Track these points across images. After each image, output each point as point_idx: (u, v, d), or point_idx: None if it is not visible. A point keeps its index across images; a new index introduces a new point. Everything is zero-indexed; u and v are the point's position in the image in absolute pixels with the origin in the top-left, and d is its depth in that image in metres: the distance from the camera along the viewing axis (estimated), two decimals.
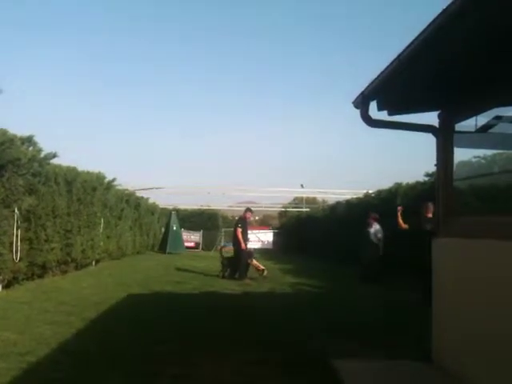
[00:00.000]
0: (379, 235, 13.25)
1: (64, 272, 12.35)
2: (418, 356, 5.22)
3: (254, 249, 17.70)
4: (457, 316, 4.59)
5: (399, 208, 11.46)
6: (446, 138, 4.97)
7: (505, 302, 3.80)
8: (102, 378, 4.32)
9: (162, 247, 25.83)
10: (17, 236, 9.33)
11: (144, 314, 7.44)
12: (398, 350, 5.58)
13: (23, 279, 9.95)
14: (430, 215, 9.75)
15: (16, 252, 9.25)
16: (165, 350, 5.29)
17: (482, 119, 4.64)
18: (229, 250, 15.19)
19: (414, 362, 5.10)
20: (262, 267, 13.70)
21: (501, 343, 3.81)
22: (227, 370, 4.68)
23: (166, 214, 28.84)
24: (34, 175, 10.17)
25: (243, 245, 13.51)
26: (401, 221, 11.28)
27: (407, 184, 14.62)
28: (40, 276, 10.87)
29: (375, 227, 13.38)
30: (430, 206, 9.72)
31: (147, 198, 25.12)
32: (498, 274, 3.93)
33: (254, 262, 13.84)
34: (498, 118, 4.52)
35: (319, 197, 45.80)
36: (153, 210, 26.40)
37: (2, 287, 9.11)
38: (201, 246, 31.94)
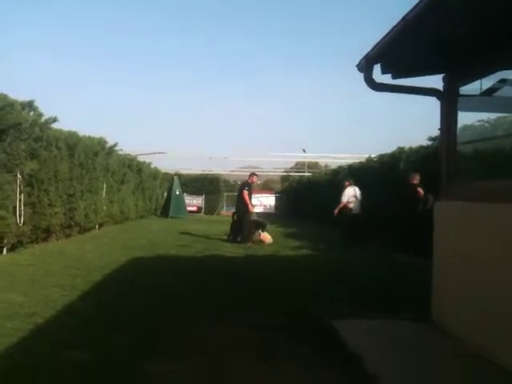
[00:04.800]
0: (355, 199, 14.02)
1: (68, 236, 12.47)
2: (417, 317, 5.30)
3: (258, 214, 17.74)
4: (457, 277, 4.64)
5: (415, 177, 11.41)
6: (450, 102, 4.93)
7: (505, 263, 3.85)
8: (107, 338, 4.40)
9: (165, 212, 25.92)
10: (20, 200, 9.37)
11: (148, 278, 7.53)
12: (398, 311, 5.65)
13: (27, 243, 10.06)
14: (416, 182, 11.15)
15: (20, 216, 9.32)
16: (169, 313, 5.37)
17: (486, 82, 4.59)
18: (228, 214, 15.30)
19: (413, 322, 5.19)
20: (268, 239, 13.70)
21: (500, 303, 3.87)
22: (229, 334, 4.76)
23: (168, 178, 28.87)
24: (35, 140, 10.15)
25: (251, 207, 13.61)
26: (420, 189, 11.20)
27: (410, 148, 14.54)
28: (44, 240, 10.99)
29: (349, 192, 14.12)
30: (417, 175, 11.18)
31: (149, 163, 25.08)
32: (499, 237, 3.97)
33: (264, 234, 13.87)
34: (503, 82, 4.47)
35: (321, 161, 45.65)
36: (155, 174, 26.40)
37: (7, 250, 9.21)
38: (203, 210, 32.10)
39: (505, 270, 3.86)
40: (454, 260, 4.73)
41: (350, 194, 14.07)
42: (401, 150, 15.03)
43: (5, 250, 9.14)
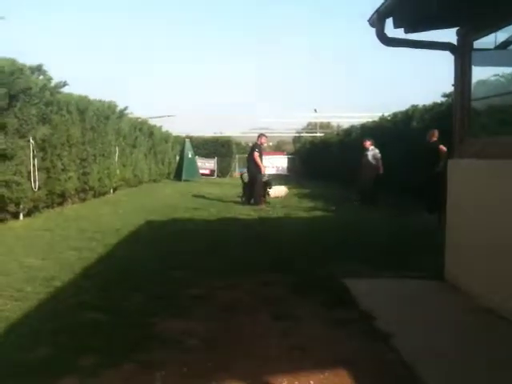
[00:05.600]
0: (377, 157, 13.57)
1: (83, 200, 12.62)
2: (430, 275, 5.33)
3: (270, 175, 17.79)
4: (469, 234, 4.64)
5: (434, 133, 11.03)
6: (464, 56, 4.81)
7: None
8: (125, 299, 4.50)
9: (178, 175, 25.95)
10: (34, 165, 9.44)
11: (162, 241, 7.61)
12: (410, 269, 5.68)
13: (43, 208, 10.20)
14: (435, 139, 10.75)
15: (34, 181, 9.41)
16: (183, 274, 5.46)
17: (501, 35, 4.46)
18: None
19: (426, 280, 5.22)
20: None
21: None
22: (241, 292, 4.85)
23: (180, 142, 28.79)
24: (46, 104, 10.14)
25: (263, 168, 13.61)
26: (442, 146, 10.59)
27: (424, 106, 14.32)
28: (59, 204, 11.13)
29: (373, 150, 13.65)
30: (435, 132, 10.79)
31: (160, 126, 25.01)
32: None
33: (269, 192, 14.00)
34: None
35: (333, 121, 45.29)
36: (166, 138, 26.36)
37: (23, 216, 9.34)
38: (216, 172, 32.13)
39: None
40: (466, 217, 4.72)
41: (377, 154, 13.65)
42: (414, 108, 14.82)
43: (21, 216, 9.27)
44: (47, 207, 10.41)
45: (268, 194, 14.00)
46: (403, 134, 14.13)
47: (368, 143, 13.93)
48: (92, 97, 13.63)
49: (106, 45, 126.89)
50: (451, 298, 4.64)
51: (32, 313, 4.10)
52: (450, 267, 5.05)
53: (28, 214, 9.53)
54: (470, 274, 4.58)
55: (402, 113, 15.84)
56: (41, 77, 10.11)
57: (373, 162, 13.48)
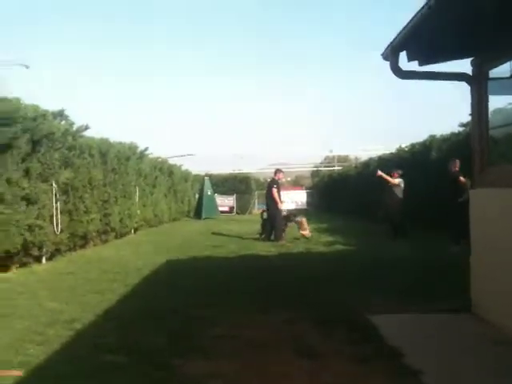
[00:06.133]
0: (402, 189, 13.17)
1: (104, 241, 12.71)
2: (457, 307, 5.20)
3: (289, 210, 17.68)
4: (495, 266, 4.54)
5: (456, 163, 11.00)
6: (480, 86, 4.82)
7: None
8: (147, 340, 4.46)
9: (198, 213, 26.07)
10: (56, 209, 9.57)
11: (183, 279, 7.59)
12: (437, 303, 5.55)
13: (65, 250, 10.27)
14: (457, 169, 10.60)
15: (57, 224, 9.52)
16: (205, 313, 5.41)
17: None
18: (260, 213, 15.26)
19: (453, 314, 5.08)
20: (306, 226, 13.66)
21: None
22: (265, 330, 4.78)
23: (200, 180, 29.04)
24: (68, 148, 10.37)
25: (280, 204, 13.57)
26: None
27: (441, 136, 14.30)
28: (82, 246, 11.22)
29: (399, 181, 13.26)
30: (457, 162, 10.62)
31: (180, 165, 25.31)
32: None
33: (303, 221, 13.86)
34: None
35: (351, 154, 45.35)
36: (186, 176, 26.63)
37: (46, 259, 9.42)
38: (235, 209, 32.19)
39: None
40: (491, 248, 4.62)
41: (402, 183, 13.23)
42: (432, 139, 14.81)
43: (44, 259, 9.34)
44: (69, 250, 10.49)
45: (300, 223, 13.76)
46: (422, 164, 14.07)
47: (396, 175, 13.48)
48: (113, 139, 13.92)
49: (127, 88, 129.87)
50: (479, 331, 4.50)
51: (54, 356, 4.08)
52: (477, 299, 4.92)
53: (50, 258, 9.60)
54: (497, 306, 4.46)
55: (419, 143, 15.83)
56: (63, 122, 10.36)
57: (399, 194, 13.25)
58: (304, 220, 13.75)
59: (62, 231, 9.70)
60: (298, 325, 4.93)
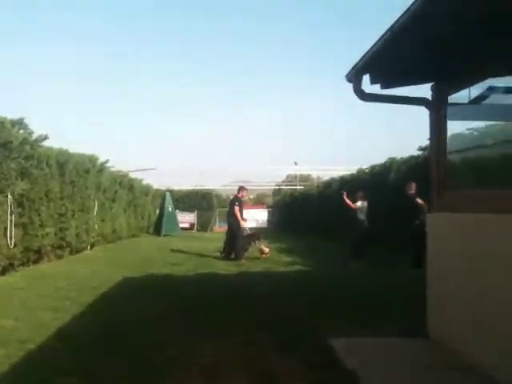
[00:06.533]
0: (364, 211, 13.31)
1: (59, 257, 12.32)
2: (412, 330, 5.23)
3: (251, 228, 17.67)
4: (449, 289, 4.61)
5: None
6: (439, 111, 4.94)
7: (493, 274, 3.84)
8: (99, 363, 4.32)
9: (157, 229, 25.64)
10: (11, 221, 9.27)
11: (140, 298, 7.42)
12: (393, 325, 5.59)
13: (19, 265, 9.92)
14: (413, 192, 10.94)
15: (10, 238, 9.21)
16: (160, 334, 5.28)
17: (475, 91, 4.60)
18: (222, 231, 15.23)
19: (410, 338, 5.10)
20: (267, 250, 13.70)
21: (494, 316, 3.84)
22: (222, 352, 4.68)
23: (161, 195, 28.73)
24: (26, 158, 10.06)
25: (242, 223, 13.53)
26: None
27: (401, 158, 14.62)
28: (36, 261, 10.85)
29: (362, 204, 13.42)
30: (413, 184, 10.96)
31: (141, 180, 24.97)
32: (489, 247, 3.94)
33: (262, 245, 13.87)
34: (491, 89, 4.48)
35: (313, 173, 45.84)
36: (147, 191, 26.29)
37: None
38: (196, 226, 31.96)
39: (493, 281, 3.85)
40: (447, 272, 4.70)
41: (364, 207, 13.33)
42: (392, 161, 15.13)
43: None
44: (23, 265, 10.13)
45: (259, 245, 13.81)
46: (381, 185, 14.32)
47: (359, 196, 13.58)
48: (73, 150, 13.57)
49: (89, 96, 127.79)
50: (434, 356, 4.52)
51: (2, 381, 3.90)
52: (433, 324, 4.98)
53: (2, 272, 9.24)
54: (452, 331, 4.52)
55: (379, 165, 16.14)
56: (21, 131, 10.08)
57: (360, 216, 13.37)
58: (263, 246, 13.86)
59: (15, 245, 9.39)
60: (254, 347, 4.86)
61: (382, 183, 14.37)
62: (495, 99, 4.66)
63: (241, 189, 14.47)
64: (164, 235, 24.45)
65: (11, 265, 9.53)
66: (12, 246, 9.25)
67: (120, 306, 6.80)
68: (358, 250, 12.98)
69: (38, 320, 5.81)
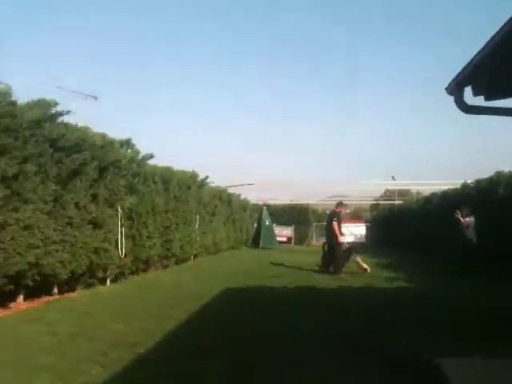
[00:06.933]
0: (472, 228, 12.78)
1: (165, 266, 12.98)
2: None
3: (349, 242, 17.42)
4: None
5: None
6: None
7: None
8: (205, 369, 4.46)
9: (255, 242, 26.22)
10: (121, 233, 9.89)
11: (241, 309, 7.57)
12: (505, 347, 5.25)
13: (129, 274, 10.57)
14: None
15: (121, 248, 9.82)
16: (261, 347, 5.33)
17: None
18: (319, 245, 15.15)
19: None
20: (366, 266, 13.47)
21: None
22: (323, 375, 4.56)
23: (258, 209, 29.21)
24: (133, 176, 10.76)
25: (340, 238, 13.45)
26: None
27: (510, 172, 13.77)
28: (144, 270, 11.50)
29: (470, 220, 12.78)
30: None
31: (239, 194, 25.58)
32: None
33: (358, 258, 13.69)
34: None
35: (413, 188, 44.36)
36: (244, 205, 26.86)
37: (110, 281, 9.71)
38: (293, 240, 32.05)
39: None
40: None
41: (471, 222, 12.95)
42: (499, 174, 14.29)
43: (108, 281, 9.64)
44: (132, 273, 10.77)
45: (357, 260, 13.64)
46: (488, 201, 13.57)
47: (465, 212, 13.14)
48: (176, 167, 14.29)
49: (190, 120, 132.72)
50: None
51: (115, 380, 4.17)
52: None
53: (114, 280, 9.89)
54: None
55: (486, 179, 15.30)
56: (129, 150, 10.80)
57: (467, 232, 12.82)
58: (358, 259, 13.66)
59: (126, 255, 9.99)
60: (357, 368, 4.71)
61: (489, 198, 13.61)
62: None
63: (339, 204, 14.43)
64: (262, 248, 24.83)
65: (122, 273, 10.17)
66: (123, 256, 9.86)
67: (221, 315, 6.98)
68: (466, 267, 12.37)
69: (146, 326, 6.13)
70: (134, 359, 4.74)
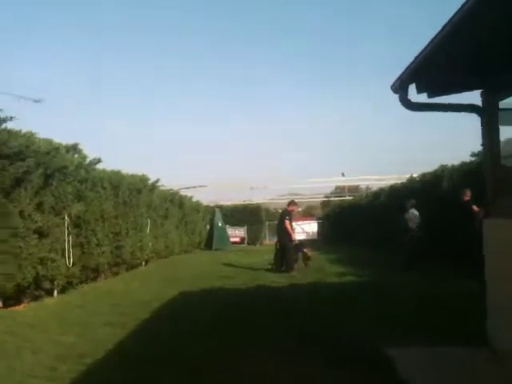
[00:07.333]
0: (416, 221, 13.18)
1: (115, 274, 12.68)
2: (473, 343, 5.07)
3: (300, 240, 17.65)
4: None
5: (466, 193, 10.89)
6: (490, 117, 4.82)
7: None
8: (156, 378, 4.42)
9: (208, 244, 26.13)
10: (68, 242, 9.61)
11: (194, 313, 7.51)
12: (452, 337, 5.44)
13: (77, 283, 10.27)
14: (468, 198, 10.72)
15: (69, 258, 9.54)
16: (216, 348, 5.34)
17: None
18: (271, 244, 15.32)
19: (469, 348, 4.96)
20: (309, 254, 13.97)
21: None
22: (271, 366, 4.70)
23: (210, 211, 29.10)
24: (81, 182, 10.47)
25: (293, 236, 13.63)
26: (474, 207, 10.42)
27: (453, 166, 14.24)
28: (93, 279, 11.20)
29: (413, 213, 13.23)
30: (467, 191, 10.72)
31: (191, 197, 25.39)
32: None
33: (307, 251, 14.01)
34: None
35: (362, 184, 45.25)
36: (197, 207, 26.68)
37: (58, 292, 9.40)
38: (246, 240, 32.10)
39: None
40: (505, 279, 4.54)
41: (415, 216, 13.31)
42: (443, 168, 14.75)
43: (55, 292, 9.33)
44: (81, 283, 10.48)
45: (306, 257, 13.88)
46: (433, 194, 14.00)
47: (410, 205, 13.55)
48: (124, 170, 14.05)
49: (138, 119, 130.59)
50: (495, 367, 4.39)
51: None
52: (493, 333, 4.81)
53: (63, 291, 9.59)
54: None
55: (430, 173, 15.76)
56: (76, 155, 10.51)
57: (412, 225, 13.21)
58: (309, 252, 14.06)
59: (73, 264, 9.72)
60: (309, 360, 4.86)
61: (434, 191, 14.04)
62: None
63: (291, 203, 14.60)
64: (215, 249, 24.79)
65: (70, 283, 9.87)
66: (70, 265, 9.58)
67: (173, 322, 6.84)
68: (411, 260, 12.75)
69: (96, 336, 6.00)
70: (83, 371, 4.63)
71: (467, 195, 10.79)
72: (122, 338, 5.90)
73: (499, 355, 4.55)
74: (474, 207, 10.24)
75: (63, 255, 9.42)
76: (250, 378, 4.42)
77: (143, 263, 15.36)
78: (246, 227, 32.17)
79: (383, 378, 4.22)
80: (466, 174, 12.27)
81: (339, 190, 49.31)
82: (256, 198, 37.31)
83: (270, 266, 14.01)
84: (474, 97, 5.02)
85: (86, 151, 10.89)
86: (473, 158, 12.73)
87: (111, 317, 7.19)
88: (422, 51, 4.11)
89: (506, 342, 4.50)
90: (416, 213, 13.22)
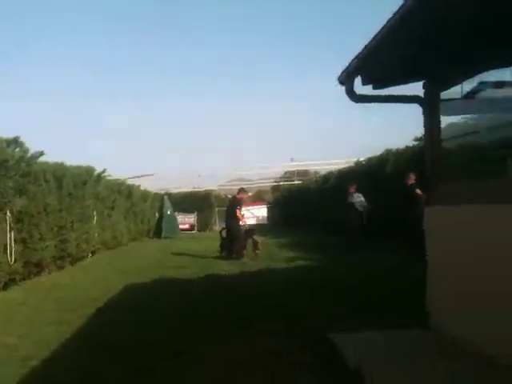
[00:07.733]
0: (363, 204, 13.72)
1: (60, 268, 12.28)
2: (416, 323, 5.20)
3: (249, 225, 17.76)
4: (450, 281, 4.62)
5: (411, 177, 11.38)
6: (431, 107, 4.94)
7: (493, 266, 3.87)
8: (104, 377, 4.33)
9: (158, 232, 25.90)
10: (10, 238, 9.27)
11: (142, 306, 7.38)
12: (395, 318, 5.61)
13: (20, 279, 9.90)
14: (413, 182, 11.09)
15: (11, 254, 9.20)
16: (165, 341, 5.30)
17: (467, 85, 4.60)
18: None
19: (412, 330, 5.09)
20: (259, 241, 13.99)
21: (493, 302, 3.87)
22: (225, 355, 4.73)
23: (159, 199, 28.76)
24: (22, 176, 10.07)
25: (244, 220, 14.10)
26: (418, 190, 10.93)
27: (397, 150, 14.60)
28: (37, 274, 10.82)
29: (358, 196, 13.65)
30: (412, 175, 11.09)
31: (139, 186, 24.96)
32: (485, 239, 3.95)
33: (257, 238, 14.05)
34: (483, 84, 4.49)
35: (311, 168, 45.78)
36: (145, 196, 26.28)
37: (0, 290, 9.05)
38: (196, 227, 31.98)
39: (494, 272, 3.87)
40: (446, 265, 4.70)
41: (361, 199, 13.83)
42: (388, 152, 15.10)
43: None
44: (24, 279, 10.11)
45: (255, 244, 13.92)
46: (378, 177, 14.32)
47: (352, 189, 13.98)
48: (69, 162, 13.56)
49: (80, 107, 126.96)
50: (436, 347, 4.54)
51: None
52: (434, 315, 4.98)
53: (4, 288, 9.22)
54: (454, 322, 4.52)
55: (376, 157, 16.10)
56: (17, 149, 10.08)
57: (359, 208, 13.55)
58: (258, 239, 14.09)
59: (16, 260, 9.38)
60: (259, 344, 4.90)
61: (380, 175, 14.37)
62: (488, 93, 4.65)
63: (241, 190, 14.60)
64: (164, 237, 24.62)
65: (13, 280, 9.52)
66: (12, 262, 9.24)
67: (122, 317, 6.70)
68: (356, 242, 13.09)
69: (40, 335, 5.79)
70: (28, 374, 4.47)
71: (411, 179, 11.10)
72: (66, 336, 5.71)
73: (439, 335, 4.70)
74: (418, 191, 10.54)
75: (5, 252, 9.07)
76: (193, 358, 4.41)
77: (89, 255, 14.96)
78: (195, 214, 32.03)
79: (332, 363, 4.29)
80: (409, 159, 12.61)
81: (289, 175, 49.70)
82: (205, 185, 37.14)
83: (219, 254, 14.03)
84: (417, 88, 5.14)
85: (28, 144, 10.47)
86: (416, 143, 13.09)
87: (56, 314, 6.95)
88: (368, 44, 4.17)
89: (446, 325, 4.66)
90: (362, 198, 13.62)
